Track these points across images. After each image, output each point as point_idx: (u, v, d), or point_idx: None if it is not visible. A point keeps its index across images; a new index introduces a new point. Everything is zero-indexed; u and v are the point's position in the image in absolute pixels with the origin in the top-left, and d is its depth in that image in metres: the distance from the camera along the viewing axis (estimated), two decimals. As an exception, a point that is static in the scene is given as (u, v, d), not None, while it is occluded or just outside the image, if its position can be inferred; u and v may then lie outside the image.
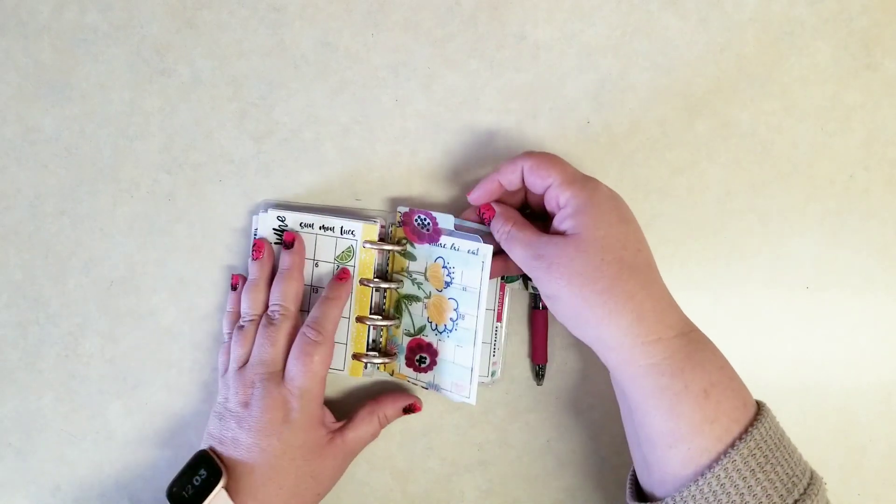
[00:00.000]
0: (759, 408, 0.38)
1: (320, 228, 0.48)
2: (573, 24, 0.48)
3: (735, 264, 0.49)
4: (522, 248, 0.41)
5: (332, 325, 0.45)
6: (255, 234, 0.48)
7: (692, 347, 0.38)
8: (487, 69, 0.49)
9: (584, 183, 0.41)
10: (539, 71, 0.49)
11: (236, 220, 0.50)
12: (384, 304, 0.48)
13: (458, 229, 0.45)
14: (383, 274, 0.49)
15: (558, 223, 0.41)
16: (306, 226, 0.48)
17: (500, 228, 0.43)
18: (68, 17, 0.49)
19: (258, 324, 0.45)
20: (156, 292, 0.50)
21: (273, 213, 0.48)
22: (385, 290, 0.48)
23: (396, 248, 0.48)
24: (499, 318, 0.48)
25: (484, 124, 0.49)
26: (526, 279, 0.48)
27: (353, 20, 0.49)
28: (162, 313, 0.50)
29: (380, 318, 0.48)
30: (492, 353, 0.48)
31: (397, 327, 0.48)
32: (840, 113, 0.48)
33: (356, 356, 0.48)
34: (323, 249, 0.48)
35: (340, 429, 0.46)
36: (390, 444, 0.50)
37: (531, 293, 0.49)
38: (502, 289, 0.48)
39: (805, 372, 0.49)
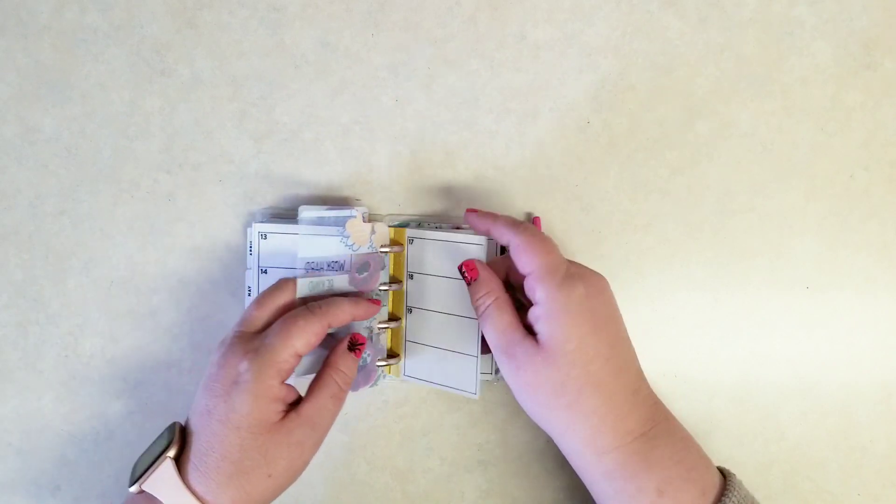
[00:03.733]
0: (725, 485, 0.39)
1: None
2: (573, 24, 0.48)
3: (735, 264, 0.49)
4: (496, 335, 0.40)
5: (336, 312, 0.41)
6: (251, 249, 0.47)
7: (648, 446, 0.38)
8: (487, 69, 0.49)
9: (560, 284, 0.39)
10: (539, 71, 0.49)
11: (236, 220, 0.50)
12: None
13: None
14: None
15: (532, 319, 0.40)
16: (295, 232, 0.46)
17: (478, 299, 0.42)
18: (68, 17, 0.49)
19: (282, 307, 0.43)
20: (156, 292, 0.50)
21: (256, 228, 0.47)
22: (386, 291, 0.48)
23: (397, 248, 0.48)
24: None
25: (484, 124, 0.49)
26: None
27: (353, 20, 0.49)
28: (162, 313, 0.50)
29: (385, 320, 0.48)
30: None
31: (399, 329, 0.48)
32: (840, 113, 0.48)
33: None
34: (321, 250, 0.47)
35: (296, 404, 0.41)
36: (390, 444, 0.50)
37: None
38: None
39: (805, 372, 0.49)
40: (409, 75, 0.49)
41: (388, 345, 0.49)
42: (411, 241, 0.47)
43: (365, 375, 0.46)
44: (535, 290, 0.39)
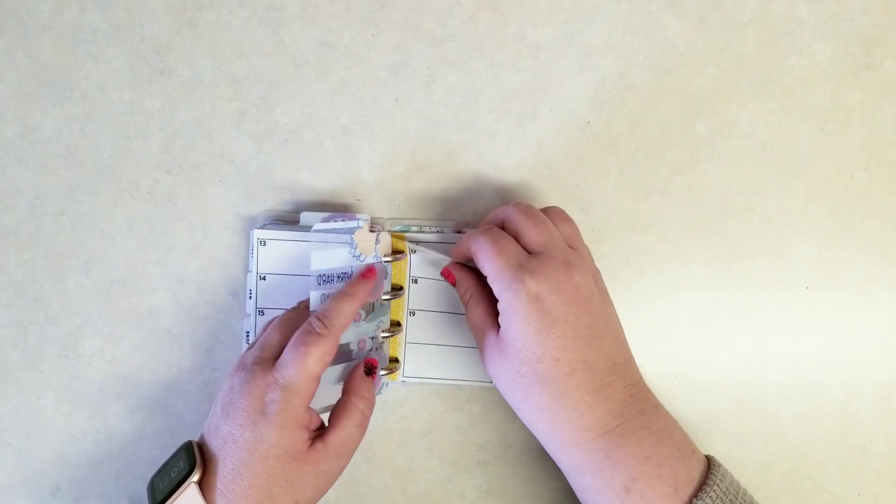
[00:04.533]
0: (707, 478, 0.38)
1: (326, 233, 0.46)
2: (573, 24, 0.48)
3: (735, 264, 0.49)
4: (470, 328, 0.43)
5: (341, 321, 0.41)
6: (253, 251, 0.47)
7: (612, 444, 0.38)
8: (487, 69, 0.49)
9: (507, 286, 0.39)
10: (539, 71, 0.49)
11: (236, 220, 0.50)
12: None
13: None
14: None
15: (499, 310, 0.40)
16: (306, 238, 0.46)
17: (460, 298, 0.45)
18: (68, 17, 0.49)
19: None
20: (156, 292, 0.50)
21: (256, 235, 0.47)
22: (389, 301, 0.48)
23: (399, 256, 0.47)
24: None
25: (484, 124, 0.49)
26: None
27: (353, 20, 0.49)
28: (162, 313, 0.50)
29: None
30: None
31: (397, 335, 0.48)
32: (840, 113, 0.48)
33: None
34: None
35: (321, 433, 0.41)
36: (390, 444, 0.50)
37: None
38: None
39: (805, 372, 0.49)
40: (409, 75, 0.49)
41: (389, 352, 0.49)
42: (414, 250, 0.47)
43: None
44: (493, 288, 0.41)
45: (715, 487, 0.38)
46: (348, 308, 0.42)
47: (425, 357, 0.48)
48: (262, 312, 0.47)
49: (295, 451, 0.39)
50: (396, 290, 0.48)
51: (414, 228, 0.48)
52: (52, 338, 0.50)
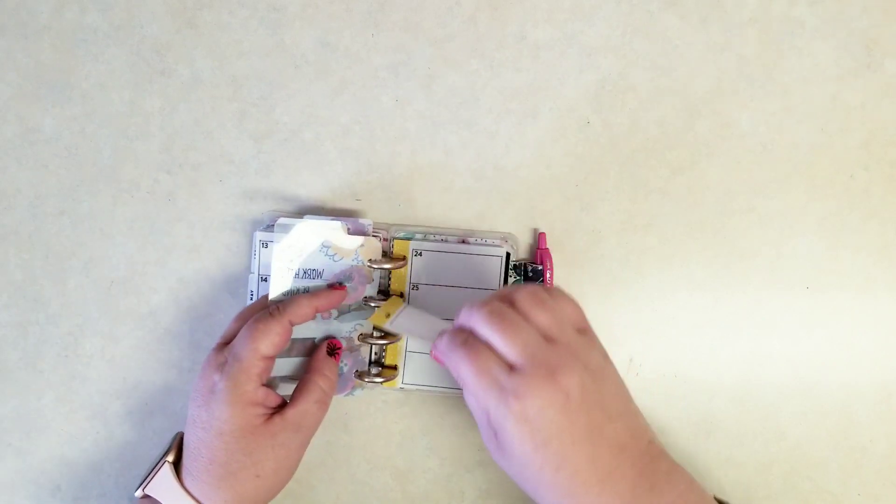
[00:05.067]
0: None
1: (322, 246, 0.46)
2: (573, 24, 0.48)
3: (735, 264, 0.49)
4: (470, 409, 0.39)
5: (296, 310, 0.42)
6: (255, 253, 0.47)
7: None
8: (487, 69, 0.49)
9: (494, 406, 0.36)
10: (539, 71, 0.49)
11: (236, 220, 0.50)
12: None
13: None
14: (385, 290, 0.48)
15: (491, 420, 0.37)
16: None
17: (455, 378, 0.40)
18: (68, 17, 0.49)
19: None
20: (156, 292, 0.50)
21: (258, 237, 0.47)
22: (373, 308, 0.47)
23: (399, 263, 0.47)
24: None
25: (484, 124, 0.49)
26: None
27: (353, 20, 0.49)
28: (162, 313, 0.50)
29: (381, 337, 0.47)
30: None
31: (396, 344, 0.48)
32: (840, 113, 0.48)
33: (358, 375, 0.48)
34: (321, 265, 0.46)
35: (280, 408, 0.42)
36: (390, 444, 0.50)
37: None
38: None
39: (805, 372, 0.49)
40: (409, 75, 0.49)
41: (387, 359, 0.48)
42: (419, 253, 0.47)
43: (341, 384, 0.47)
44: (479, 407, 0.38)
45: None
46: (306, 304, 0.43)
47: (425, 367, 0.48)
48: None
49: (249, 426, 0.40)
50: (385, 294, 0.47)
51: (418, 236, 0.48)
52: (52, 338, 0.50)
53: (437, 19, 0.49)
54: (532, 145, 0.49)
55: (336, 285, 0.45)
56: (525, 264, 0.47)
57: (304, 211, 0.49)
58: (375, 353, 0.48)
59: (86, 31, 0.49)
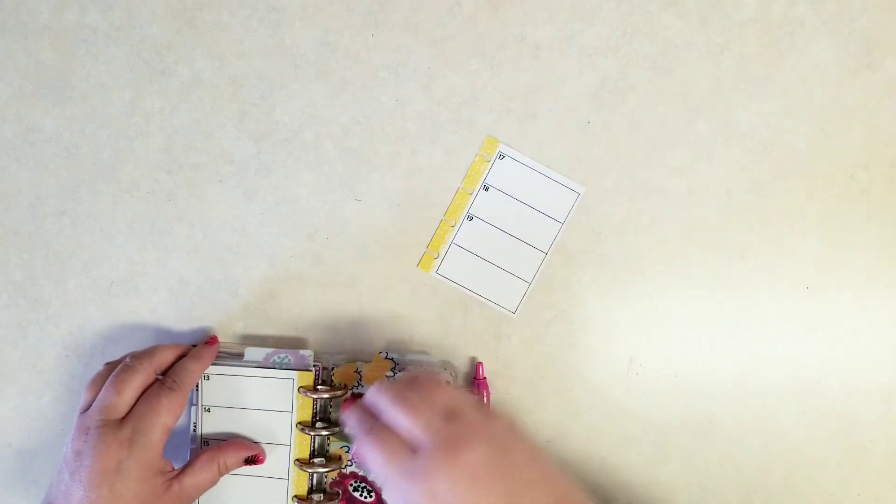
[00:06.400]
0: None
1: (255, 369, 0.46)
2: (573, 24, 0.48)
3: (735, 264, 0.49)
4: None
5: (189, 379, 0.44)
6: (198, 385, 0.47)
7: None
8: (487, 69, 0.49)
9: (405, 494, 0.35)
10: (539, 71, 0.49)
11: (236, 220, 0.50)
12: (327, 444, 0.47)
13: None
14: (325, 413, 0.47)
15: None
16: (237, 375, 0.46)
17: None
18: (68, 17, 0.49)
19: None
20: (156, 292, 0.50)
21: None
22: (326, 436, 0.47)
23: (338, 393, 0.46)
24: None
25: (484, 124, 0.49)
26: None
27: (353, 20, 0.49)
28: (162, 313, 0.50)
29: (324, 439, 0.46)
30: None
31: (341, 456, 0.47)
32: (840, 113, 0.48)
33: (299, 462, 0.46)
34: (257, 392, 0.46)
35: (178, 475, 0.43)
36: (390, 444, 0.50)
37: None
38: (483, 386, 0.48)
39: (805, 372, 0.49)
40: (409, 75, 0.49)
41: (329, 449, 0.47)
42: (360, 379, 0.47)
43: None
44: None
45: None
46: (196, 368, 0.45)
47: (464, 264, 0.48)
48: (206, 442, 0.46)
49: (154, 495, 0.42)
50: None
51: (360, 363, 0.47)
52: (51, 338, 0.50)
53: (437, 19, 0.49)
54: (532, 145, 0.49)
55: (210, 340, 0.47)
56: None
57: (245, 341, 0.48)
58: (319, 446, 0.47)
59: (86, 31, 0.49)
